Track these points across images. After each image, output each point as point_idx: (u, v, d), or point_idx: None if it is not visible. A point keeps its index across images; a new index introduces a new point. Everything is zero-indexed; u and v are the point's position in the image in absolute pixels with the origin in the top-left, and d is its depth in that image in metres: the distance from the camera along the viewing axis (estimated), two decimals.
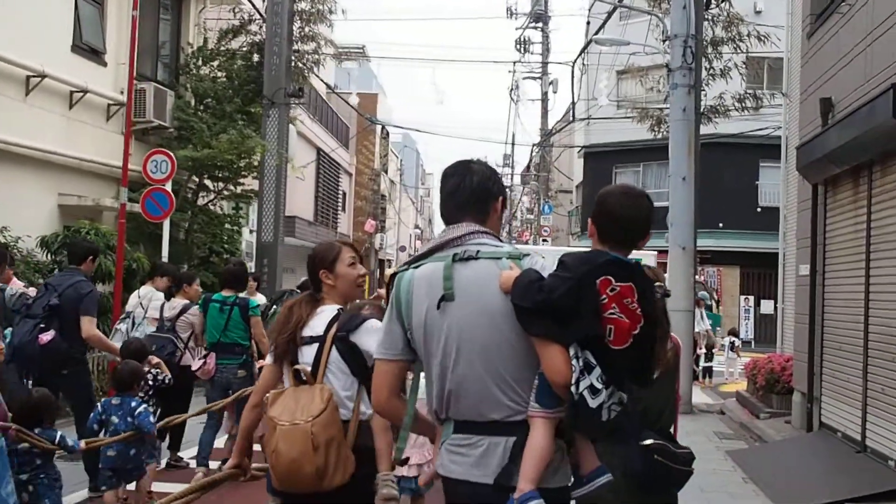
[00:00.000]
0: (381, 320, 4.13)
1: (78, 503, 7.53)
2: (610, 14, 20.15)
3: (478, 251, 3.09)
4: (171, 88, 17.72)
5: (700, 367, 19.47)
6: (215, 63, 18.52)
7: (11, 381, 7.02)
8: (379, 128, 47.10)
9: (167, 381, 7.82)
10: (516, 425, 2.97)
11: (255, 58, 18.56)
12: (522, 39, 42.66)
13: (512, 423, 2.98)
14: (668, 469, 3.82)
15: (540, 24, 43.19)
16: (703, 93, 16.45)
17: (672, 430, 4.23)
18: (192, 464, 8.80)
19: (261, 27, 18.54)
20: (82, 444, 6.32)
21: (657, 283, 3.81)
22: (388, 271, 3.77)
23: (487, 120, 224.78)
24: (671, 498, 4.11)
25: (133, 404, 6.72)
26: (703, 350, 19.50)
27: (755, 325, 30.94)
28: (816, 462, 10.40)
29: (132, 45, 13.37)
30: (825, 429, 11.03)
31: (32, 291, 8.41)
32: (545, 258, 3.14)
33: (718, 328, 27.66)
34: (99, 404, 6.87)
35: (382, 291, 8.75)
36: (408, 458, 4.76)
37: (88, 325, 7.63)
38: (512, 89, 45.20)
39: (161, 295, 9.62)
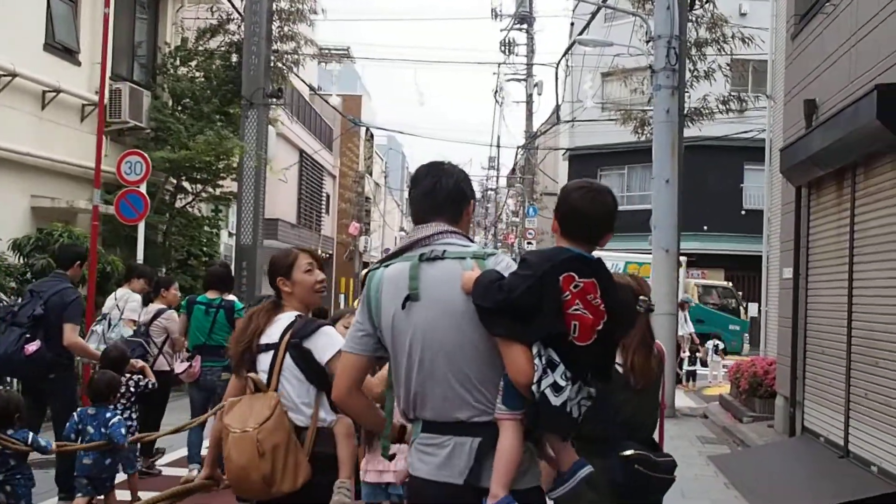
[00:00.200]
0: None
1: None
2: (594, 15, 20.00)
3: (444, 251, 3.09)
4: (148, 89, 17.44)
5: (683, 371, 19.38)
6: (193, 63, 18.26)
7: None
8: (363, 130, 46.87)
9: (151, 386, 7.86)
10: (482, 426, 2.97)
11: (234, 58, 18.32)
12: (507, 41, 42.60)
13: (477, 423, 2.98)
14: (648, 478, 3.80)
15: (525, 26, 43.10)
16: (686, 94, 16.31)
17: (658, 436, 4.22)
18: (166, 471, 8.85)
19: (239, 26, 18.30)
20: (54, 444, 6.29)
21: (641, 297, 3.94)
22: (364, 272, 3.77)
23: (473, 122, 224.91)
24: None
25: (108, 415, 6.65)
26: (687, 354, 19.39)
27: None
28: (799, 467, 10.27)
29: (104, 43, 13.14)
30: (808, 433, 10.89)
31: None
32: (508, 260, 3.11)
33: (746, 334, 27.67)
34: (75, 414, 6.81)
35: None
36: (395, 454, 4.71)
37: (70, 333, 7.53)
38: (497, 91, 45.13)
39: (137, 297, 9.53)
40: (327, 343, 4.13)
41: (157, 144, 16.74)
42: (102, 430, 6.57)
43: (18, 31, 14.25)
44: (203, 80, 18.17)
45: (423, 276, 3.07)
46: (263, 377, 4.17)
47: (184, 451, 9.07)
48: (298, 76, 23.85)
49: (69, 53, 15.66)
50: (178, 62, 18.14)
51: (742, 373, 14.46)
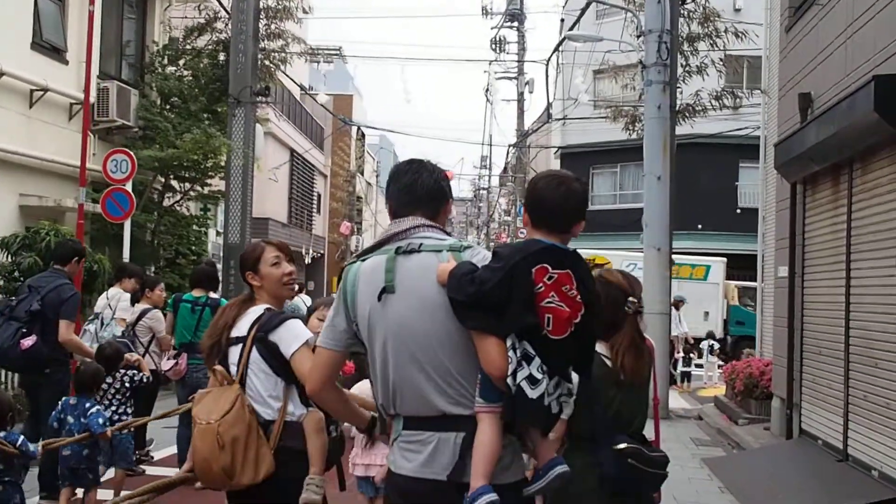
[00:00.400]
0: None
1: None
2: (583, 10, 19.78)
3: (420, 244, 3.09)
4: (136, 87, 17.34)
5: (678, 372, 19.23)
6: (181, 62, 18.18)
7: None
8: (354, 129, 46.72)
9: (145, 381, 7.94)
10: (464, 419, 2.96)
11: (222, 56, 18.18)
12: (498, 39, 42.40)
13: (460, 417, 2.97)
14: (640, 472, 3.75)
15: (515, 24, 42.90)
16: (678, 90, 16.13)
17: (654, 435, 4.20)
18: (156, 470, 8.75)
19: (226, 25, 18.10)
20: (40, 448, 6.25)
21: (630, 298, 3.85)
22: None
23: (464, 121, 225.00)
24: (647, 501, 4.02)
25: (87, 405, 6.74)
26: (681, 354, 19.23)
27: None
28: (796, 471, 10.09)
29: (89, 40, 13.02)
30: (805, 436, 10.73)
31: None
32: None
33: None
34: (59, 404, 6.91)
35: None
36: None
37: (66, 330, 7.60)
38: (487, 89, 44.94)
39: (128, 296, 9.68)
40: (292, 336, 4.14)
41: (145, 143, 16.66)
42: (82, 419, 6.66)
43: (5, 29, 14.16)
44: (191, 78, 18.05)
45: (399, 268, 3.06)
46: (235, 369, 4.20)
47: (172, 450, 9.12)
48: (288, 75, 23.68)
49: (57, 52, 15.57)
50: (165, 61, 18.06)
51: (737, 374, 14.27)
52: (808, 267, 11.03)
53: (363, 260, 3.18)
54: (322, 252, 42.08)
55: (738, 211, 30.91)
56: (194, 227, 18.73)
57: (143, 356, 8.96)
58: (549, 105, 31.19)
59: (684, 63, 16.96)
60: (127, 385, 7.74)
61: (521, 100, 43.55)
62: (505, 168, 52.50)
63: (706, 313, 25.60)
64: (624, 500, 3.79)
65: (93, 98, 15.83)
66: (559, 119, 33.02)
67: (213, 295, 8.97)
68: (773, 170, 13.02)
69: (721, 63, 17.64)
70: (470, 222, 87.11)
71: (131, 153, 14.32)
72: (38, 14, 15.03)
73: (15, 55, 14.21)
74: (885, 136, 8.17)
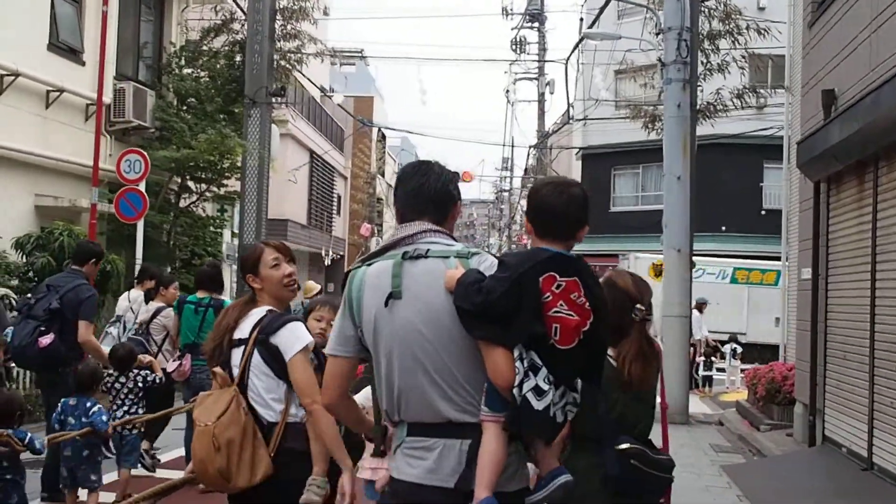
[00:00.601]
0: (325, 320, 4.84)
1: None
2: (602, 8, 19.52)
3: (428, 250, 3.05)
4: (153, 88, 17.40)
5: (700, 376, 18.96)
6: (198, 63, 18.16)
7: None
8: (375, 131, 46.66)
9: (158, 381, 7.95)
10: (470, 427, 2.93)
11: (238, 57, 18.11)
12: (518, 39, 42.14)
13: (465, 424, 2.94)
14: (643, 474, 3.70)
15: (536, 24, 42.63)
16: (699, 88, 15.86)
17: (662, 439, 4.16)
18: (163, 473, 8.69)
19: (243, 25, 18.03)
20: (46, 441, 6.32)
21: (637, 306, 3.78)
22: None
23: (484, 121, 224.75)
24: None
25: (88, 404, 6.76)
26: (703, 358, 18.94)
27: None
28: (818, 479, 9.86)
29: (102, 41, 13.00)
30: (829, 443, 10.49)
31: None
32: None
33: None
34: (59, 405, 6.92)
35: None
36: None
37: (85, 331, 7.63)
38: (508, 90, 44.73)
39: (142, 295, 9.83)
40: (292, 339, 4.12)
41: (161, 144, 16.70)
42: (83, 419, 6.68)
43: (22, 31, 14.24)
44: (207, 79, 18.05)
45: (406, 274, 3.02)
46: (237, 371, 4.19)
47: (180, 452, 9.16)
48: (307, 77, 23.58)
49: (73, 53, 15.66)
50: (182, 62, 18.11)
51: (759, 378, 13.99)
52: (832, 268, 10.79)
53: (368, 264, 3.14)
54: (342, 253, 42.02)
55: (763, 212, 30.48)
56: (211, 228, 18.69)
57: (157, 354, 9.12)
58: (569, 106, 30.92)
59: (705, 61, 16.68)
60: (140, 385, 7.77)
61: (541, 100, 43.33)
62: (526, 170, 52.23)
63: (777, 319, 25.26)
64: (626, 502, 3.73)
65: (109, 99, 15.93)
66: (580, 120, 32.72)
67: (216, 296, 8.98)
68: (797, 169, 12.75)
69: (743, 60, 17.32)
70: (492, 224, 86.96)
71: (144, 153, 14.30)
72: (55, 16, 15.13)
73: (31, 56, 14.29)
74: None
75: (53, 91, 14.86)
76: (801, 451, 11.12)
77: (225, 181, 17.90)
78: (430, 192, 3.16)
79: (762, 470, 10.60)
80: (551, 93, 42.78)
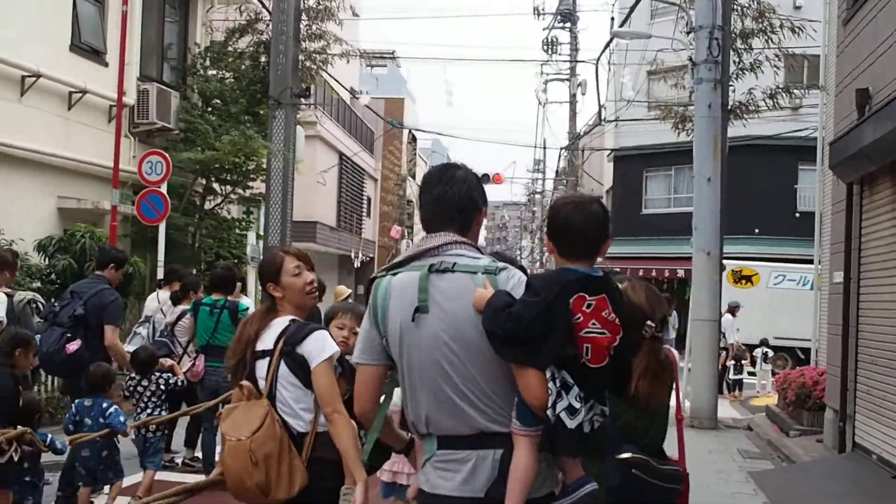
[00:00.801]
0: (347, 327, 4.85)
1: None
2: (633, 7, 19.25)
3: (454, 263, 3.05)
4: (178, 89, 17.33)
5: (730, 380, 18.67)
6: (223, 63, 18.08)
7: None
8: (406, 132, 46.55)
9: (180, 385, 8.02)
10: (501, 437, 2.95)
11: (263, 58, 18.02)
12: (549, 40, 41.86)
13: (497, 434, 2.96)
14: (646, 484, 3.69)
15: (567, 24, 42.34)
16: (731, 88, 15.56)
17: (678, 451, 4.06)
18: (178, 477, 8.66)
19: (268, 26, 17.97)
20: (67, 441, 6.46)
21: (647, 323, 3.74)
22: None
23: (516, 122, 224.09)
24: None
25: (104, 405, 6.82)
26: (732, 362, 18.65)
27: None
28: (847, 487, 9.65)
29: (122, 41, 12.92)
30: (859, 450, 10.28)
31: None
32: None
33: None
34: (73, 406, 7.00)
35: None
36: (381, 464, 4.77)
37: (111, 335, 7.80)
38: (539, 91, 44.45)
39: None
40: (318, 348, 4.11)
41: (185, 146, 16.63)
42: (100, 420, 6.74)
43: (43, 32, 14.20)
44: (232, 80, 17.97)
45: (433, 288, 3.03)
46: (263, 383, 4.17)
47: (196, 453, 9.25)
48: (335, 78, 23.46)
49: (96, 54, 15.61)
50: (207, 63, 18.03)
51: (790, 383, 13.72)
52: (864, 272, 10.56)
53: (393, 274, 3.14)
54: (372, 256, 41.93)
55: (797, 215, 30.04)
56: (236, 230, 18.57)
57: (182, 357, 9.15)
58: (600, 107, 30.63)
59: (737, 60, 16.36)
60: (162, 388, 7.80)
61: (573, 101, 43.08)
62: (557, 172, 51.93)
63: None
64: None
65: (132, 100, 15.85)
66: (611, 121, 32.42)
67: (231, 298, 9.01)
68: (830, 171, 12.47)
69: (777, 59, 16.98)
70: (524, 227, 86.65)
71: (166, 154, 14.21)
72: (77, 16, 15.07)
73: (53, 57, 14.25)
74: None
75: (76, 92, 14.81)
76: (830, 458, 10.91)
77: (250, 183, 17.82)
78: (453, 201, 3.14)
79: (790, 477, 10.43)
80: (583, 94, 42.58)
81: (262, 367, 4.19)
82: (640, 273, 30.40)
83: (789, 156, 29.37)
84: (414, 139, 52.03)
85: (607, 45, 25.41)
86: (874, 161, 9.77)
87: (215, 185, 17.50)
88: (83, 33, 15.17)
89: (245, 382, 4.17)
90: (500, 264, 3.10)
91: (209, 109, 17.54)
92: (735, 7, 15.82)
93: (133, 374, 7.83)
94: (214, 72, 18.00)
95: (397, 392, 3.25)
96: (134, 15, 15.63)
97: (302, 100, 17.47)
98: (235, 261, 17.33)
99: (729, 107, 15.27)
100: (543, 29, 42.97)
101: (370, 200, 42.70)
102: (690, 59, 14.48)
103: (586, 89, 43.20)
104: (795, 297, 22.79)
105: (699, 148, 13.98)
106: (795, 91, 18.14)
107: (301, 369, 4.12)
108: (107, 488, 7.18)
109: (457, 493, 2.97)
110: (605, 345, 2.91)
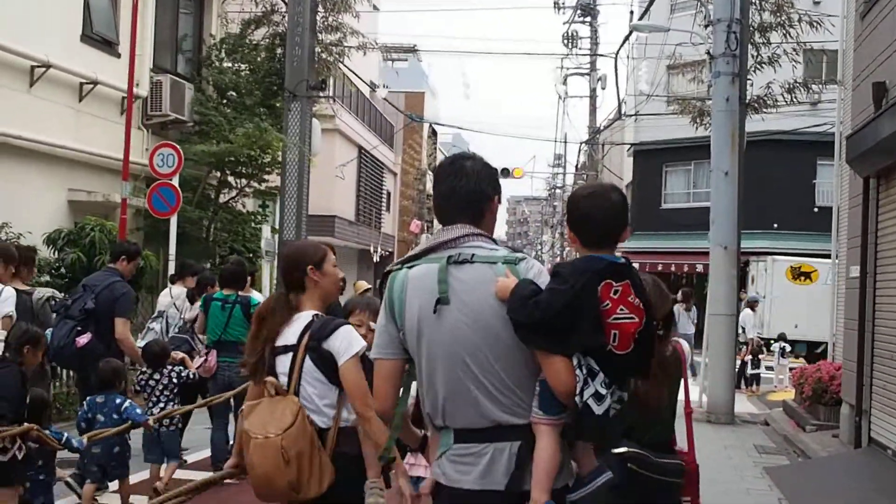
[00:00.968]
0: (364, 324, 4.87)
1: None
2: (652, 1, 19.11)
3: (473, 255, 3.05)
4: (192, 81, 17.22)
5: (748, 374, 18.54)
6: (238, 55, 17.99)
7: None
8: (426, 126, 46.49)
9: (192, 378, 8.01)
10: (519, 429, 2.95)
11: (279, 50, 17.94)
12: (570, 34, 41.69)
13: (515, 426, 2.96)
14: (643, 478, 3.74)
15: (588, 18, 42.14)
16: (749, 82, 15.42)
17: (688, 445, 4.16)
18: (188, 474, 8.51)
19: (283, 17, 17.89)
20: (84, 440, 6.42)
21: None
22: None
23: (537, 117, 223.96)
24: None
25: (118, 401, 6.82)
26: (750, 356, 18.52)
27: None
28: (863, 483, 9.56)
29: (133, 31, 12.85)
30: (875, 445, 10.16)
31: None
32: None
33: None
34: (85, 403, 7.01)
35: None
36: (392, 461, 4.56)
37: (122, 328, 7.82)
38: (559, 85, 44.32)
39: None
40: (346, 344, 4.10)
41: (199, 138, 16.49)
42: (114, 416, 6.73)
43: (53, 22, 14.07)
44: (247, 72, 17.90)
45: (452, 279, 3.03)
46: (283, 379, 4.13)
47: (207, 452, 9.12)
48: (353, 71, 23.37)
49: (108, 45, 15.51)
50: (222, 54, 17.92)
51: (806, 378, 13.62)
52: (880, 266, 10.45)
53: (409, 267, 3.13)
54: (391, 250, 41.91)
55: (816, 209, 29.82)
56: (251, 224, 18.48)
57: (208, 353, 9.09)
58: (619, 101, 30.49)
59: (755, 54, 16.21)
60: (174, 381, 7.79)
61: (593, 96, 42.89)
62: (577, 166, 51.77)
63: None
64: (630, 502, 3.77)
65: (145, 92, 15.75)
66: (630, 115, 32.26)
67: (242, 293, 8.95)
68: (848, 165, 12.33)
69: (795, 53, 16.81)
70: (545, 221, 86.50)
71: (178, 147, 14.11)
72: (89, 6, 14.96)
73: (63, 48, 14.12)
74: None
75: (87, 83, 14.68)
76: (846, 454, 10.83)
77: (266, 176, 17.74)
78: (462, 194, 3.15)
79: (806, 472, 10.38)
80: (603, 88, 42.25)
81: (282, 362, 4.15)
82: (660, 268, 30.29)
83: (808, 151, 29.14)
84: (434, 133, 51.98)
85: (626, 38, 25.24)
86: (891, 155, 9.66)
87: (230, 179, 17.41)
88: (95, 23, 15.05)
89: (270, 379, 4.12)
90: (519, 254, 3.11)
91: (224, 102, 17.43)
92: (753, 1, 15.67)
93: (144, 368, 7.83)
94: (229, 64, 17.90)
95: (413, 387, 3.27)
96: (147, 5, 15.53)
97: (318, 92, 17.38)
98: (250, 255, 17.27)
99: (747, 101, 15.14)
100: (563, 23, 42.83)
101: (390, 195, 42.65)
102: (708, 52, 14.35)
103: (606, 84, 42.90)
104: None
105: (717, 142, 13.86)
106: (814, 86, 17.94)
107: (326, 365, 4.10)
108: (107, 487, 7.14)
109: (477, 486, 2.97)
110: (633, 331, 2.91)
